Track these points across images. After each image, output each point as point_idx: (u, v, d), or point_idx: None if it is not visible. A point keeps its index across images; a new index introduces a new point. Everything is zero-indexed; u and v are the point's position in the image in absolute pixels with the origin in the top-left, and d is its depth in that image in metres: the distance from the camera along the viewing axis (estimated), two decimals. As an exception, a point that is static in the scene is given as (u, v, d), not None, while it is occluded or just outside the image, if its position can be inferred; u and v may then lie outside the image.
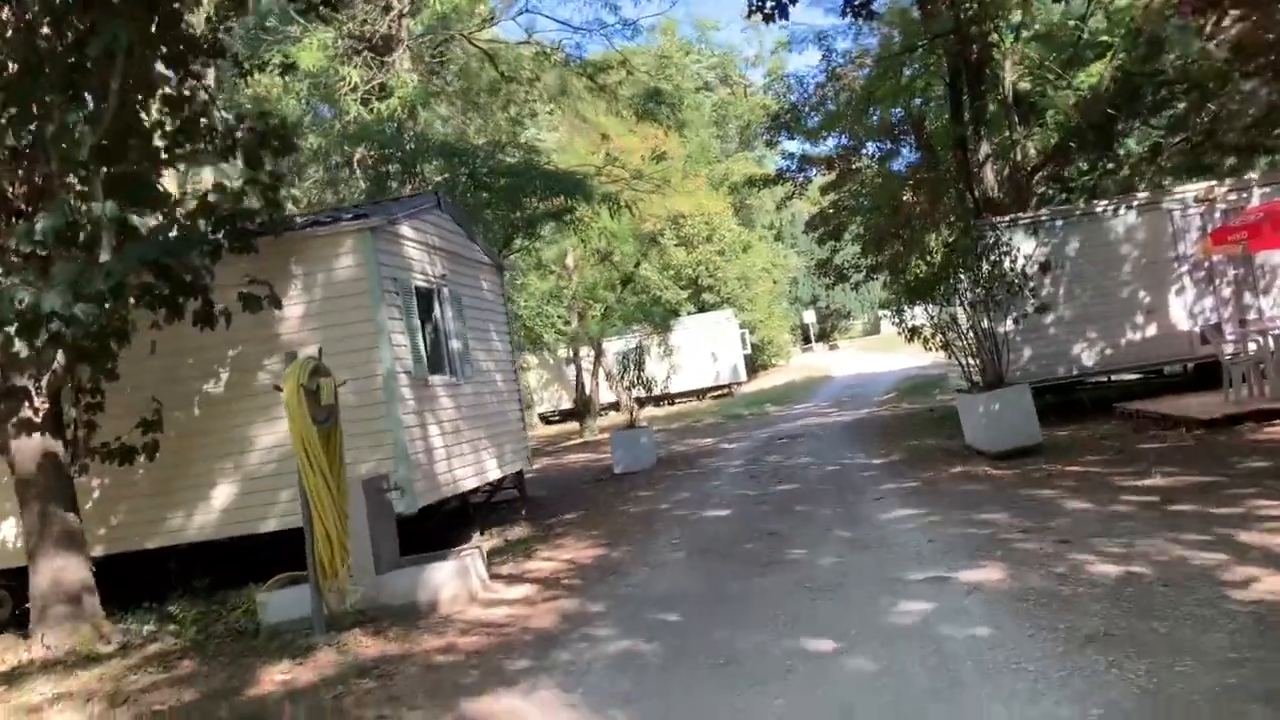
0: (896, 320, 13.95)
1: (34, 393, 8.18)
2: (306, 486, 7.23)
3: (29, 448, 8.22)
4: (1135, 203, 14.61)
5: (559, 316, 29.20)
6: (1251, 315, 13.97)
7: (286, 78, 17.05)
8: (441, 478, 10.41)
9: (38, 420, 8.20)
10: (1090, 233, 14.46)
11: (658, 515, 11.48)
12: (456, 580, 7.89)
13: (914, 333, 13.36)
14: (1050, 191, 21.97)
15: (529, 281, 28.23)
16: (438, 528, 10.91)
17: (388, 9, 20.52)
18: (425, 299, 10.99)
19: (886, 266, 21.14)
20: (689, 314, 38.78)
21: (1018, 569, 6.43)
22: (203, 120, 8.94)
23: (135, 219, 8.09)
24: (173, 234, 8.37)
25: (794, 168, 23.95)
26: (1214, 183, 14.86)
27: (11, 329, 7.03)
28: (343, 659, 6.55)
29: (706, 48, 62.50)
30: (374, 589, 7.74)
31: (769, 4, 10.33)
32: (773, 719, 4.60)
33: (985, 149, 17.94)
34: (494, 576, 8.77)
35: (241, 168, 9.28)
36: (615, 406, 31.09)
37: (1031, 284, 13.25)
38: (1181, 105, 18.64)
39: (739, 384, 38.14)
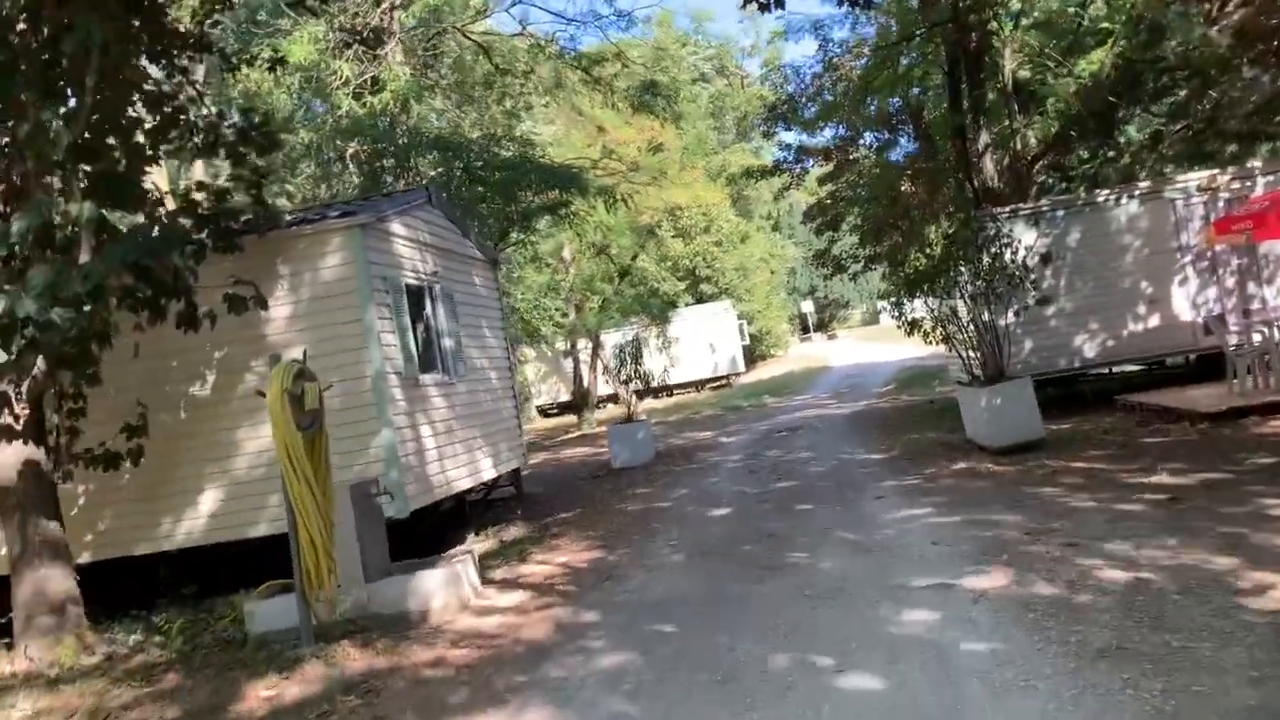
0: (896, 314, 13.75)
1: (14, 399, 7.96)
2: (290, 494, 7.04)
3: (9, 455, 8.00)
4: (1137, 192, 14.41)
5: (556, 309, 29.03)
6: (1255, 306, 13.78)
7: (277, 72, 16.79)
8: (434, 479, 10.22)
9: (18, 427, 7.99)
10: (1092, 223, 14.26)
11: (655, 514, 11.30)
12: (448, 588, 7.71)
13: (914, 326, 13.17)
14: (1050, 181, 21.78)
15: (526, 275, 28.05)
16: (432, 529, 10.73)
17: (379, 1, 20.25)
18: (416, 297, 10.79)
19: (885, 258, 20.94)
20: (687, 305, 38.62)
21: (1024, 575, 6.24)
22: (183, 117, 8.71)
23: (116, 219, 7.89)
24: (154, 234, 8.15)
25: (791, 159, 23.77)
26: (1217, 171, 14.65)
27: (-13, 335, 6.84)
28: (330, 672, 6.36)
29: (703, 39, 62.13)
30: (364, 597, 7.56)
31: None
32: (772, 740, 4.42)
33: (984, 138, 17.74)
34: (487, 582, 8.59)
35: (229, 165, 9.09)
36: (614, 399, 30.92)
37: (1032, 275, 13.06)
38: (1183, 92, 18.42)
39: (737, 375, 37.99)
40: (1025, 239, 13.43)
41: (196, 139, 8.86)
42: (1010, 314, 12.80)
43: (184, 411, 9.49)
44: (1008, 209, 14.55)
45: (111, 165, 8.13)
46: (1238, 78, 16.81)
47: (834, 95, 21.80)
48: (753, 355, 44.75)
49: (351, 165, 20.21)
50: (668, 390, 33.81)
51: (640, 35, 33.40)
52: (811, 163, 24.36)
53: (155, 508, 9.48)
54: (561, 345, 30.90)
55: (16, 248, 7.22)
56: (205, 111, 9.23)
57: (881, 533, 8.33)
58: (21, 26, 7.75)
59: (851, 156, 23.10)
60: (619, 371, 18.82)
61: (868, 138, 23.33)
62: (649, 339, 27.77)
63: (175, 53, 9.06)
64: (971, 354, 12.48)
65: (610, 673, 5.66)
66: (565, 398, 33.21)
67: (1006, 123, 19.12)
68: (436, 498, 10.29)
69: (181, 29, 9.36)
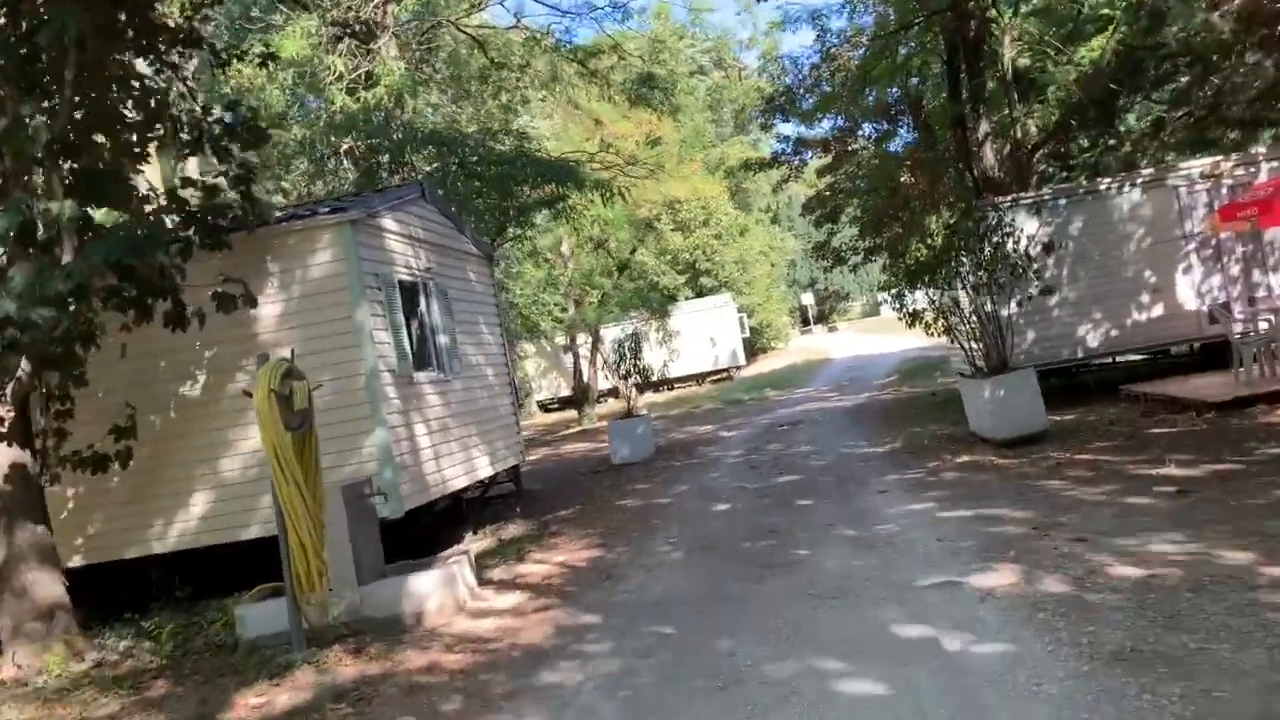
0: (897, 306, 13.57)
1: (-2, 401, 7.81)
2: (280, 496, 6.88)
3: (-6, 459, 7.85)
4: (1140, 180, 14.22)
5: (555, 304, 28.88)
6: (1261, 293, 13.60)
7: (269, 67, 16.59)
8: (430, 479, 10.06)
9: (3, 430, 7.82)
10: (1094, 211, 14.08)
11: (655, 510, 11.15)
12: (443, 590, 7.55)
13: (915, 318, 13.01)
14: (1051, 170, 21.62)
15: (524, 270, 27.90)
16: (428, 529, 10.59)
17: (371, -5, 20.04)
18: (410, 293, 10.61)
19: (885, 249, 20.79)
20: (687, 299, 38.44)
21: (1032, 572, 6.07)
22: (169, 113, 8.53)
23: (100, 216, 7.73)
24: (138, 232, 7.98)
25: (789, 151, 23.59)
26: (1220, 158, 14.46)
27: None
28: (321, 679, 6.19)
29: (700, 31, 61.87)
30: (356, 601, 7.41)
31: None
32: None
33: (985, 127, 17.56)
34: (484, 582, 8.43)
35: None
36: (614, 393, 30.78)
37: (1035, 265, 12.89)
38: (1185, 79, 18.25)
39: (738, 368, 37.85)
40: (1027, 228, 13.25)
41: (182, 135, 8.67)
42: (1013, 304, 12.65)
43: (173, 412, 9.32)
44: (1009, 198, 14.37)
45: (95, 162, 7.96)
46: (1240, 63, 16.60)
47: (832, 86, 21.60)
48: (753, 348, 44.62)
49: (346, 161, 20.02)
50: (668, 384, 33.66)
51: (637, 28, 33.26)
52: (810, 154, 24.20)
53: (145, 510, 9.32)
54: (561, 340, 30.76)
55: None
56: (192, 107, 9.06)
57: (884, 528, 8.17)
58: (1, 20, 7.60)
59: (850, 148, 22.93)
60: (619, 366, 18.65)
61: (866, 128, 23.17)
62: (649, 333, 27.69)
63: (163, 48, 8.89)
64: (974, 345, 12.31)
65: (608, 679, 5.49)
66: (565, 393, 33.07)
67: (1006, 111, 18.93)
68: (432, 497, 10.13)
69: (170, 24, 9.18)
